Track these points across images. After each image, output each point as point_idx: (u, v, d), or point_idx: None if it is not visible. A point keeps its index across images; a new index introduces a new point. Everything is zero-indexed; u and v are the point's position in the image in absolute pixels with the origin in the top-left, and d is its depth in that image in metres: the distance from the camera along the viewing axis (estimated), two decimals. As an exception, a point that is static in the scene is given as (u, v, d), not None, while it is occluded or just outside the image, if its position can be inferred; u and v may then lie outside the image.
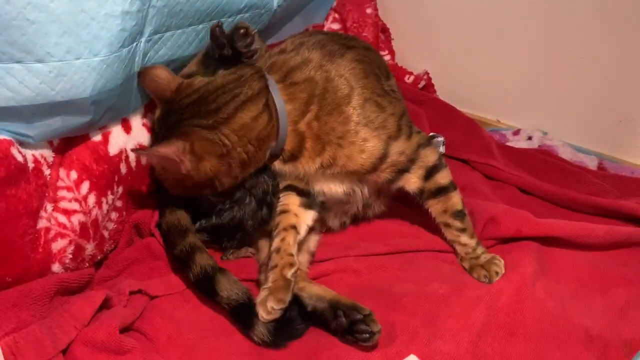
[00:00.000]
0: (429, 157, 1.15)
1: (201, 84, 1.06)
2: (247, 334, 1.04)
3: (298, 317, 1.06)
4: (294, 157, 1.10)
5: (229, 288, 1.06)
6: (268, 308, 1.01)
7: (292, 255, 1.09)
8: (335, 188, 1.16)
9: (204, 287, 1.09)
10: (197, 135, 1.03)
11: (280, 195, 1.18)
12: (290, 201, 1.16)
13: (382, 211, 1.30)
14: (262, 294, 1.03)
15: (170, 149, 1.00)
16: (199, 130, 1.03)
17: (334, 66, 1.10)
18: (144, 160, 1.17)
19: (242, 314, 1.05)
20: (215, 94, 1.05)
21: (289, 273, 1.05)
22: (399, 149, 1.11)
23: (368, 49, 1.26)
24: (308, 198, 1.17)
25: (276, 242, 1.11)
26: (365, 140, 1.08)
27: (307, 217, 1.16)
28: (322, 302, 1.06)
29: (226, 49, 1.12)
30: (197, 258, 1.11)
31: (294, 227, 1.13)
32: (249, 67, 1.09)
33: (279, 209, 1.16)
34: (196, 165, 1.03)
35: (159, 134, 1.08)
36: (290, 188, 1.17)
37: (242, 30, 1.11)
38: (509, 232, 1.22)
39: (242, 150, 1.05)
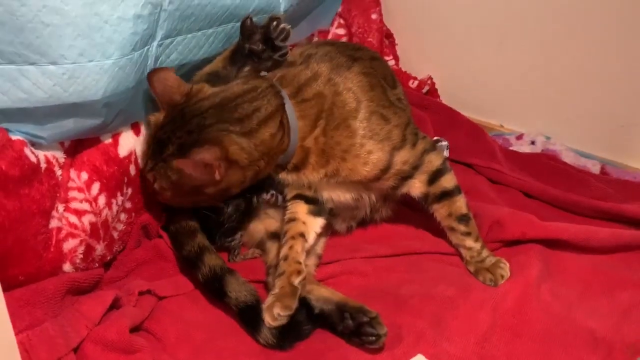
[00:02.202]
0: (433, 162, 1.16)
1: (215, 89, 1.06)
2: (252, 336, 1.05)
3: (305, 319, 1.07)
4: (297, 169, 1.11)
5: (237, 289, 1.07)
6: (274, 314, 1.01)
7: (299, 263, 1.09)
8: (343, 195, 1.17)
9: (213, 288, 1.10)
10: (230, 140, 1.01)
11: (289, 203, 1.18)
12: (299, 209, 1.17)
13: (389, 215, 1.31)
14: (269, 300, 1.04)
15: (209, 154, 0.98)
16: (231, 135, 1.01)
17: (342, 79, 1.11)
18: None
19: (249, 316, 1.05)
20: (236, 102, 1.04)
21: (296, 280, 1.06)
22: (402, 159, 1.12)
23: (374, 59, 1.27)
24: (317, 205, 1.18)
25: (284, 250, 1.11)
26: (370, 152, 1.09)
27: (316, 225, 1.17)
28: (330, 305, 1.07)
29: (257, 44, 1.12)
30: (206, 258, 1.12)
31: (302, 235, 1.14)
32: (261, 79, 1.10)
33: (287, 216, 1.17)
34: (225, 172, 1.01)
35: (168, 140, 1.03)
36: (298, 197, 1.18)
37: (275, 22, 1.12)
38: (514, 235, 1.23)
39: (257, 164, 1.05)
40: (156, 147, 1.05)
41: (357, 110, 1.09)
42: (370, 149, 1.09)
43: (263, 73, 1.13)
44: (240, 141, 1.02)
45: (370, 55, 1.27)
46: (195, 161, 0.98)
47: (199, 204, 1.12)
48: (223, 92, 1.06)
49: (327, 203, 1.19)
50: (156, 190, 1.09)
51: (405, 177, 1.14)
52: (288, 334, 1.03)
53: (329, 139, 1.08)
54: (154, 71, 1.06)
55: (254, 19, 1.16)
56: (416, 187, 1.16)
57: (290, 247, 1.11)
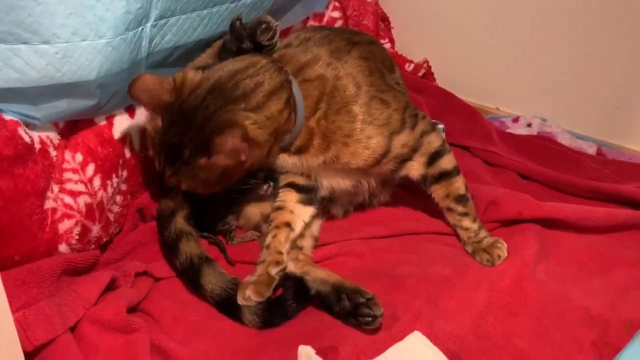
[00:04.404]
0: (433, 143, 1.16)
1: (206, 73, 1.02)
2: (239, 322, 1.05)
3: (292, 297, 1.07)
4: (299, 151, 1.10)
5: (213, 282, 1.07)
6: (245, 295, 1.03)
7: (280, 253, 1.10)
8: (343, 182, 1.17)
9: (189, 278, 1.09)
10: (243, 117, 0.97)
11: (280, 191, 1.18)
12: (288, 198, 1.17)
13: (387, 200, 1.31)
14: (246, 281, 1.05)
15: (234, 138, 0.94)
16: (240, 113, 0.98)
17: (342, 64, 1.10)
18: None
19: (227, 307, 1.06)
20: (235, 80, 1.01)
21: (274, 271, 1.06)
22: (401, 142, 1.12)
23: (372, 43, 1.27)
24: (308, 194, 1.17)
25: (268, 239, 1.12)
26: (370, 137, 1.09)
27: (305, 214, 1.17)
28: (326, 286, 1.07)
29: (245, 43, 1.11)
30: (183, 246, 1.11)
31: (288, 225, 1.14)
32: (258, 56, 1.08)
33: (275, 204, 1.17)
34: (249, 152, 0.98)
35: (180, 143, 0.98)
36: (290, 185, 1.17)
37: (264, 25, 1.11)
38: (511, 214, 1.23)
39: (270, 140, 1.03)
40: (169, 152, 1.00)
41: (357, 95, 1.09)
42: (370, 134, 1.08)
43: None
44: (250, 116, 0.99)
45: (368, 40, 1.26)
46: (225, 150, 0.95)
47: (228, 186, 1.06)
48: (217, 72, 1.03)
49: (327, 190, 1.18)
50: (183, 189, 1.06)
51: (404, 159, 1.14)
52: (274, 312, 1.04)
53: (331, 123, 1.07)
54: (131, 85, 0.99)
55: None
56: (415, 169, 1.16)
57: (274, 236, 1.11)
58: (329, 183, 1.17)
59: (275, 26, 1.12)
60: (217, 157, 0.97)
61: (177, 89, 1.00)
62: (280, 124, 1.03)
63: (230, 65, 1.04)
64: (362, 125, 1.08)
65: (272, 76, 1.04)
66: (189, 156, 0.98)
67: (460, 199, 1.18)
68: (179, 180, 1.02)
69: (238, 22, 1.13)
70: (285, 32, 1.55)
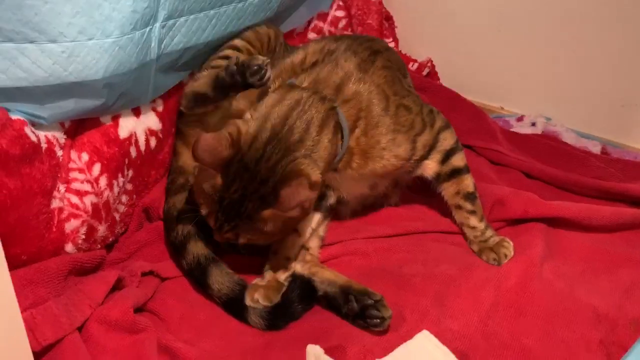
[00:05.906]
0: (447, 140, 1.17)
1: (255, 123, 0.99)
2: (244, 323, 1.05)
3: (297, 298, 1.07)
4: (336, 170, 1.09)
5: (220, 281, 1.06)
6: (254, 297, 1.03)
7: (288, 259, 1.10)
8: (362, 188, 1.18)
9: (197, 278, 1.09)
10: (305, 165, 0.96)
11: None
12: None
13: (397, 202, 1.31)
14: (255, 283, 1.05)
15: (302, 188, 0.93)
16: (302, 160, 0.97)
17: (369, 76, 1.11)
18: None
19: (233, 307, 1.06)
20: (288, 126, 0.98)
21: (282, 277, 1.07)
22: (423, 143, 1.13)
23: (387, 49, 1.28)
24: (318, 201, 1.16)
25: (275, 244, 1.12)
26: (399, 145, 1.10)
27: (312, 221, 1.17)
28: (334, 287, 1.07)
29: (236, 80, 1.10)
30: (190, 246, 1.11)
31: (295, 230, 1.13)
32: (296, 90, 1.04)
33: None
34: (314, 195, 0.96)
35: (243, 197, 0.95)
36: None
37: (255, 67, 1.08)
38: (517, 213, 1.23)
39: (324, 175, 1.01)
40: (230, 209, 0.97)
41: (387, 107, 1.09)
42: (400, 142, 1.10)
43: (290, 81, 1.09)
44: (310, 162, 0.97)
45: (384, 46, 1.28)
46: (294, 203, 0.93)
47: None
48: (268, 120, 0.99)
49: (338, 197, 1.18)
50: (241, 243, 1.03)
51: (422, 158, 1.15)
52: (279, 315, 1.04)
53: (370, 138, 1.07)
54: (194, 149, 0.94)
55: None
56: (429, 167, 1.17)
57: (281, 242, 1.11)
58: (347, 190, 1.17)
59: (267, 65, 1.09)
60: (284, 210, 0.94)
61: (234, 144, 0.97)
62: (332, 152, 1.02)
63: (278, 109, 1.00)
64: (394, 134, 1.09)
65: (318, 108, 1.01)
66: (252, 209, 0.96)
67: (469, 197, 1.18)
68: (237, 235, 1.00)
69: (235, 67, 1.10)
70: (289, 34, 1.56)
